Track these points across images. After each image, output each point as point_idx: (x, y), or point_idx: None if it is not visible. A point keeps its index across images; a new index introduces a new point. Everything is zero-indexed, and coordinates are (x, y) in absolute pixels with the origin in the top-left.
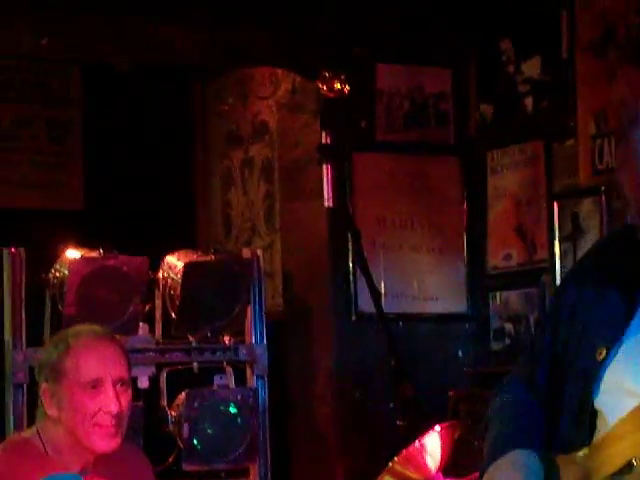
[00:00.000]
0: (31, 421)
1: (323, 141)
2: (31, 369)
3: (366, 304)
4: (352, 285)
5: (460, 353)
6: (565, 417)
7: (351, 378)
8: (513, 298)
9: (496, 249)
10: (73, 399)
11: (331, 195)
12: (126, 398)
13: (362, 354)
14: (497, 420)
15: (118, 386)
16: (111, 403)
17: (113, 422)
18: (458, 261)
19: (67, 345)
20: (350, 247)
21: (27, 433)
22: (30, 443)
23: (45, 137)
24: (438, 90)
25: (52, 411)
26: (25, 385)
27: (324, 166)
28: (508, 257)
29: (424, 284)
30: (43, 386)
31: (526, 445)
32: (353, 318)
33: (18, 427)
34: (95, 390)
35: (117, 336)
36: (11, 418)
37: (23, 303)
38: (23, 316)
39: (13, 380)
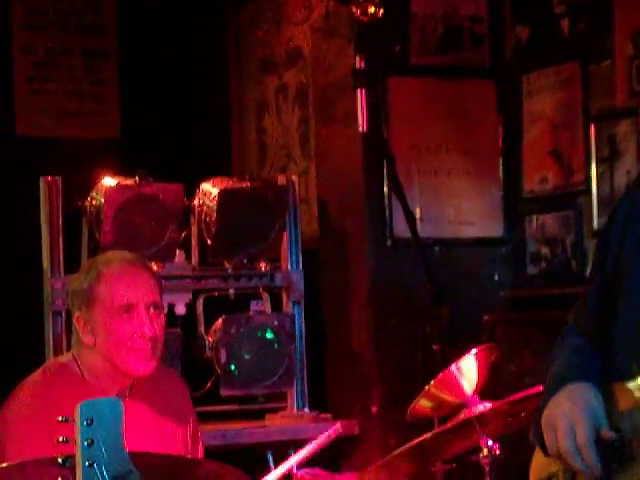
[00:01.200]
0: (70, 347)
1: (357, 66)
2: (68, 296)
3: (401, 229)
4: (387, 210)
5: (496, 277)
6: (619, 346)
7: (387, 303)
8: (549, 221)
9: (532, 172)
10: (107, 325)
11: (365, 120)
12: (159, 322)
13: (398, 279)
14: (555, 361)
15: (151, 310)
16: (144, 327)
17: (148, 345)
18: (494, 185)
19: (98, 272)
20: (385, 172)
21: (64, 359)
22: (68, 368)
23: (81, 66)
24: (473, 12)
25: (87, 338)
26: (63, 312)
27: (358, 91)
28: (544, 180)
29: (460, 208)
30: (77, 314)
31: (584, 379)
32: (388, 243)
33: (57, 353)
34: (128, 315)
35: (151, 263)
36: (50, 344)
37: (60, 231)
38: (60, 244)
39: (52, 307)
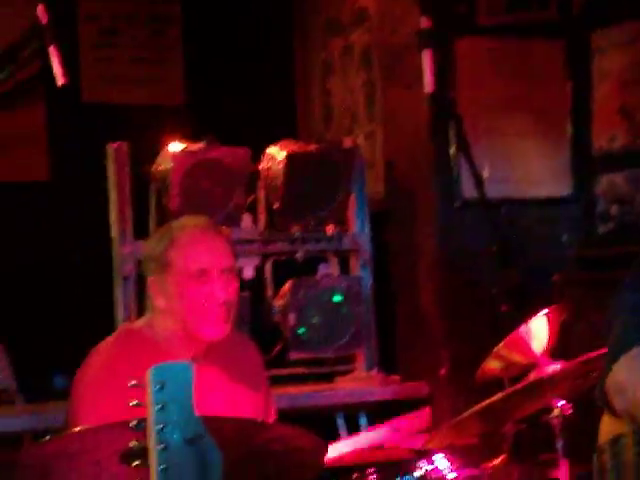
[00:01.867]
0: (140, 312)
1: (423, 26)
2: (138, 261)
3: (469, 190)
4: (455, 171)
5: (565, 237)
6: None
7: (455, 264)
8: (619, 180)
9: (601, 131)
10: (181, 290)
11: (432, 81)
12: (233, 287)
13: (465, 240)
14: (616, 321)
15: (224, 275)
16: (218, 291)
17: (221, 310)
18: (562, 144)
19: (172, 237)
20: (452, 133)
21: (137, 324)
22: (141, 333)
23: (145, 33)
24: None
25: (161, 303)
26: (133, 277)
27: (424, 52)
28: (613, 138)
29: (528, 168)
30: (150, 279)
31: None
32: (456, 204)
33: (127, 318)
34: (202, 280)
35: (221, 228)
36: (120, 310)
37: (128, 197)
38: (129, 210)
39: (121, 272)
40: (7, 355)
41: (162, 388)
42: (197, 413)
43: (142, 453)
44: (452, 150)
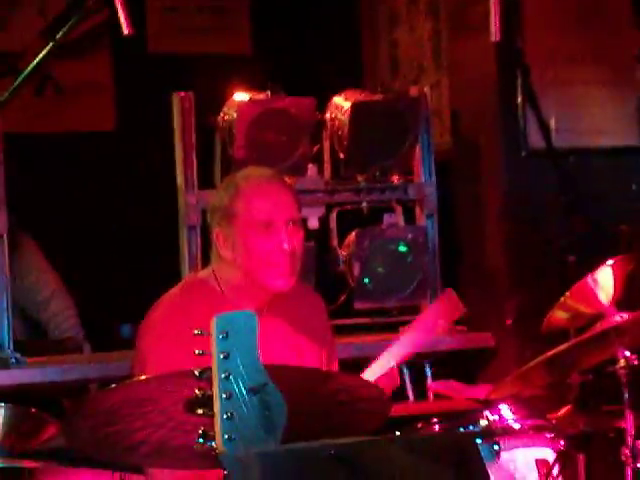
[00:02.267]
0: (205, 262)
1: None
2: (203, 211)
3: (536, 140)
4: (521, 121)
5: (633, 187)
6: None
7: (521, 215)
8: None
9: None
10: (247, 240)
11: (499, 29)
12: (298, 238)
13: (532, 190)
14: None
15: (290, 226)
16: (284, 242)
17: (287, 261)
18: (630, 93)
19: (237, 188)
20: (519, 82)
21: (203, 274)
22: (206, 283)
23: None
24: None
25: (226, 254)
26: (198, 227)
27: (491, 0)
28: None
29: (595, 118)
30: (216, 230)
31: None
32: (523, 154)
33: (192, 268)
34: (267, 230)
35: (286, 177)
36: (185, 259)
37: (193, 147)
38: (194, 159)
39: (186, 222)
40: (75, 305)
41: (226, 337)
42: (261, 363)
43: (206, 401)
44: (519, 100)
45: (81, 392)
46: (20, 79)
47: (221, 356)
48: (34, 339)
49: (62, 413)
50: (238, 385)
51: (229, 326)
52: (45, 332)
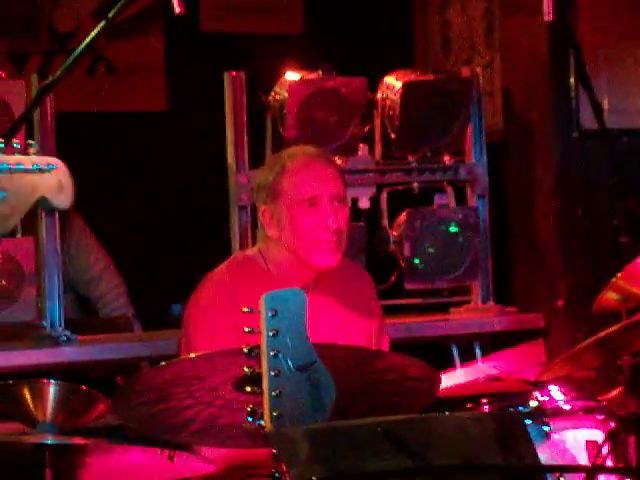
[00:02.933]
0: (255, 242)
1: None
2: (254, 191)
3: (588, 120)
4: (574, 101)
5: None
6: None
7: (573, 195)
8: None
9: None
10: (292, 218)
11: (551, 9)
12: (344, 215)
13: (584, 171)
14: None
15: (335, 203)
16: (329, 219)
17: (332, 238)
18: None
19: (283, 166)
20: (571, 62)
21: (250, 252)
22: (253, 261)
23: None
24: None
25: (272, 231)
26: (249, 206)
27: None
28: None
29: None
30: (262, 208)
31: None
32: (575, 134)
33: (243, 248)
34: (313, 207)
35: (335, 157)
36: (236, 239)
37: (245, 126)
38: (245, 139)
39: (237, 202)
40: (124, 283)
41: (275, 314)
42: (309, 340)
43: (255, 379)
44: (571, 80)
45: (131, 370)
46: (72, 58)
47: (270, 334)
48: (84, 317)
49: (115, 390)
50: (287, 363)
51: (278, 304)
52: (95, 310)
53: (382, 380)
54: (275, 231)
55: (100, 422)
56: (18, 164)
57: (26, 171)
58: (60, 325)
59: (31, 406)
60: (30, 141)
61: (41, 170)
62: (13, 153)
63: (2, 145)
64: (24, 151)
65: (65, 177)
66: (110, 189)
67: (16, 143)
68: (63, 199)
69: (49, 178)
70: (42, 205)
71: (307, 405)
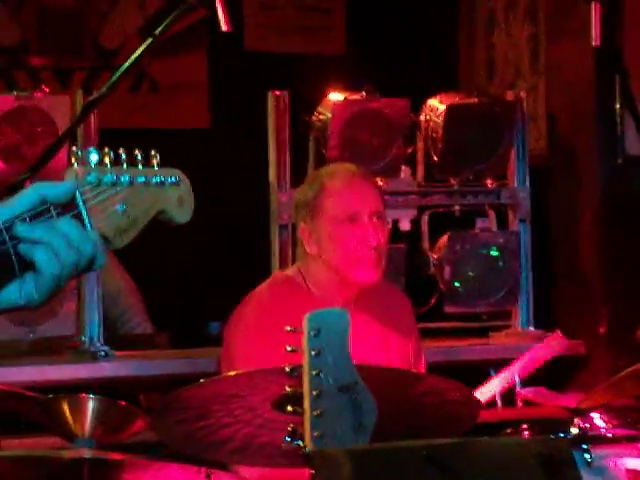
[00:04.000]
0: (295, 261)
1: None
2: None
3: (633, 146)
4: (619, 127)
5: None
6: None
7: (616, 221)
8: None
9: None
10: (331, 235)
11: (599, 34)
12: (384, 232)
13: (628, 197)
14: None
15: (374, 219)
16: (369, 235)
17: (372, 255)
18: None
19: (322, 183)
20: (618, 88)
21: (290, 271)
22: (293, 279)
23: None
24: None
25: (312, 249)
26: (289, 225)
27: (592, 3)
28: None
29: None
30: (301, 225)
31: None
32: (619, 161)
33: (283, 266)
34: (352, 224)
35: (377, 178)
36: (276, 258)
37: (287, 145)
38: (287, 158)
39: (278, 220)
40: (143, 301)
41: (318, 334)
42: (352, 361)
43: (296, 399)
44: (617, 105)
45: (167, 388)
46: (118, 74)
47: (312, 353)
48: (120, 334)
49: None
50: (328, 383)
51: (321, 323)
52: (114, 328)
53: (421, 403)
54: (315, 248)
55: (138, 438)
56: (139, 176)
57: (147, 184)
58: (99, 340)
59: (69, 420)
60: (153, 152)
61: (162, 183)
62: (136, 165)
63: (124, 155)
64: (146, 162)
65: (186, 191)
66: None
67: (139, 154)
68: (183, 214)
69: (170, 191)
70: (162, 219)
71: (348, 426)
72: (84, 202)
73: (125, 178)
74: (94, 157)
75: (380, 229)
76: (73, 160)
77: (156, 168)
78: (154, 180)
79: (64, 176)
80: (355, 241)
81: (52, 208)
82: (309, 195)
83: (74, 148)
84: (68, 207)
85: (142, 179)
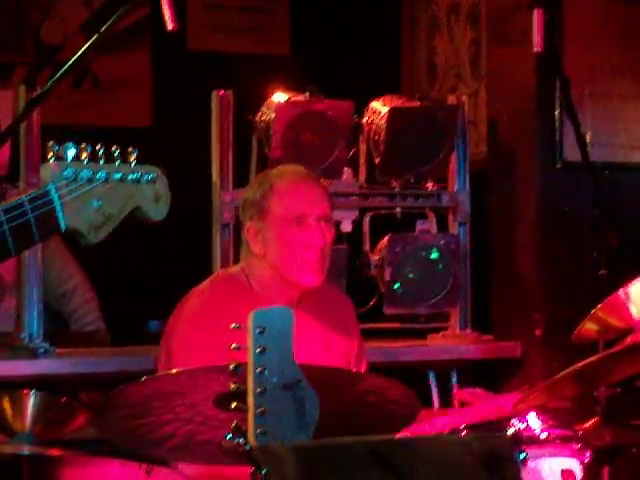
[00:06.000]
0: (237, 261)
1: None
2: (237, 209)
3: (572, 152)
4: (558, 133)
5: None
6: None
7: (554, 226)
8: None
9: None
10: (279, 235)
11: (540, 40)
12: (330, 235)
13: (566, 202)
14: None
15: (322, 222)
16: (316, 238)
17: (318, 257)
18: None
19: (271, 184)
20: (557, 94)
21: (233, 269)
22: (236, 278)
23: None
24: None
25: (257, 248)
26: (232, 225)
27: (534, 11)
28: None
29: (632, 133)
30: (248, 224)
31: None
32: (558, 166)
33: (224, 266)
34: (300, 226)
35: (321, 180)
36: (218, 257)
37: (231, 145)
38: (230, 158)
39: (220, 220)
40: (97, 298)
41: (262, 332)
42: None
43: (239, 396)
44: (557, 112)
45: (106, 386)
46: (62, 71)
47: (257, 350)
48: (60, 330)
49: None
50: (272, 380)
51: (266, 321)
52: (66, 324)
53: (362, 402)
54: (260, 248)
55: (79, 434)
56: (116, 173)
57: (123, 181)
58: (38, 337)
59: (9, 416)
60: (130, 148)
61: (139, 180)
62: (113, 161)
63: (101, 151)
64: (123, 159)
65: (163, 189)
66: None
67: (115, 150)
68: (158, 210)
69: (146, 188)
70: (137, 215)
71: (291, 423)
72: (59, 197)
73: (102, 174)
74: (71, 152)
75: (327, 232)
76: (49, 155)
77: (133, 165)
78: (131, 177)
79: (40, 171)
80: (301, 243)
81: (26, 203)
82: (258, 194)
83: (51, 143)
84: (43, 202)
85: (118, 175)
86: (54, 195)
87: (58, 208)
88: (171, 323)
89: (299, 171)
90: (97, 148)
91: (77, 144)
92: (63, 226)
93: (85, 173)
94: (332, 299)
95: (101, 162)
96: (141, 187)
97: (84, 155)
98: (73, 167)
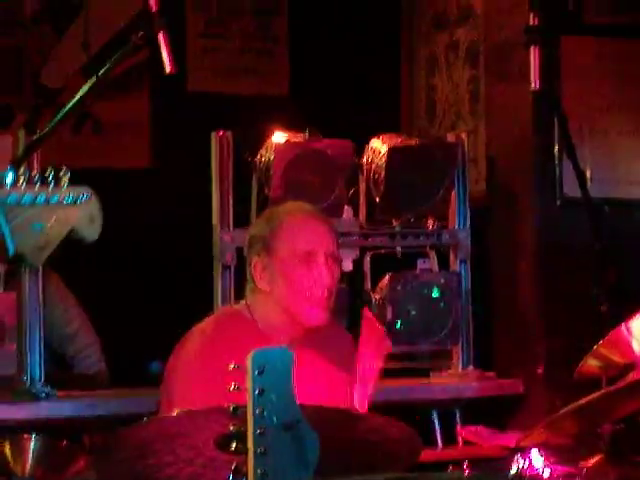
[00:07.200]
0: (238, 301)
1: (531, 23)
2: (238, 250)
3: (571, 189)
4: (557, 169)
5: None
6: None
7: (555, 263)
8: None
9: None
10: (286, 272)
11: (538, 78)
12: (336, 273)
13: (566, 239)
14: None
15: (330, 260)
16: (324, 275)
17: (325, 295)
18: None
19: (280, 220)
20: (556, 131)
21: (238, 306)
22: (240, 314)
23: (252, 23)
24: None
25: (263, 285)
26: (232, 266)
27: (531, 49)
28: None
29: (631, 169)
30: (254, 260)
31: None
32: (558, 202)
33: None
34: (308, 264)
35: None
36: (219, 298)
37: (231, 186)
38: (230, 198)
39: (221, 261)
40: (99, 340)
41: (262, 373)
42: (295, 399)
43: (239, 437)
44: (555, 148)
45: (108, 428)
46: (62, 114)
47: (256, 392)
48: (61, 372)
49: (82, 449)
50: (272, 421)
51: (266, 362)
52: (70, 366)
53: (365, 441)
54: (266, 284)
55: (79, 478)
56: (53, 195)
57: (61, 203)
58: (40, 380)
59: (10, 460)
60: (62, 171)
61: (75, 202)
62: (48, 185)
63: (37, 176)
64: (56, 181)
65: (96, 209)
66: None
67: (50, 173)
68: (92, 231)
69: (81, 209)
70: (72, 237)
71: (291, 463)
72: (7, 222)
73: (41, 198)
74: (9, 178)
75: (333, 269)
76: None
77: (66, 187)
78: (67, 199)
79: None
80: (309, 281)
81: None
82: (265, 231)
83: None
84: None
85: (56, 198)
86: (2, 221)
87: (7, 233)
88: (173, 360)
89: (307, 208)
90: (32, 174)
91: (15, 169)
92: (11, 251)
93: (27, 198)
94: (334, 337)
95: (36, 186)
96: (77, 208)
97: (22, 180)
98: (15, 192)
